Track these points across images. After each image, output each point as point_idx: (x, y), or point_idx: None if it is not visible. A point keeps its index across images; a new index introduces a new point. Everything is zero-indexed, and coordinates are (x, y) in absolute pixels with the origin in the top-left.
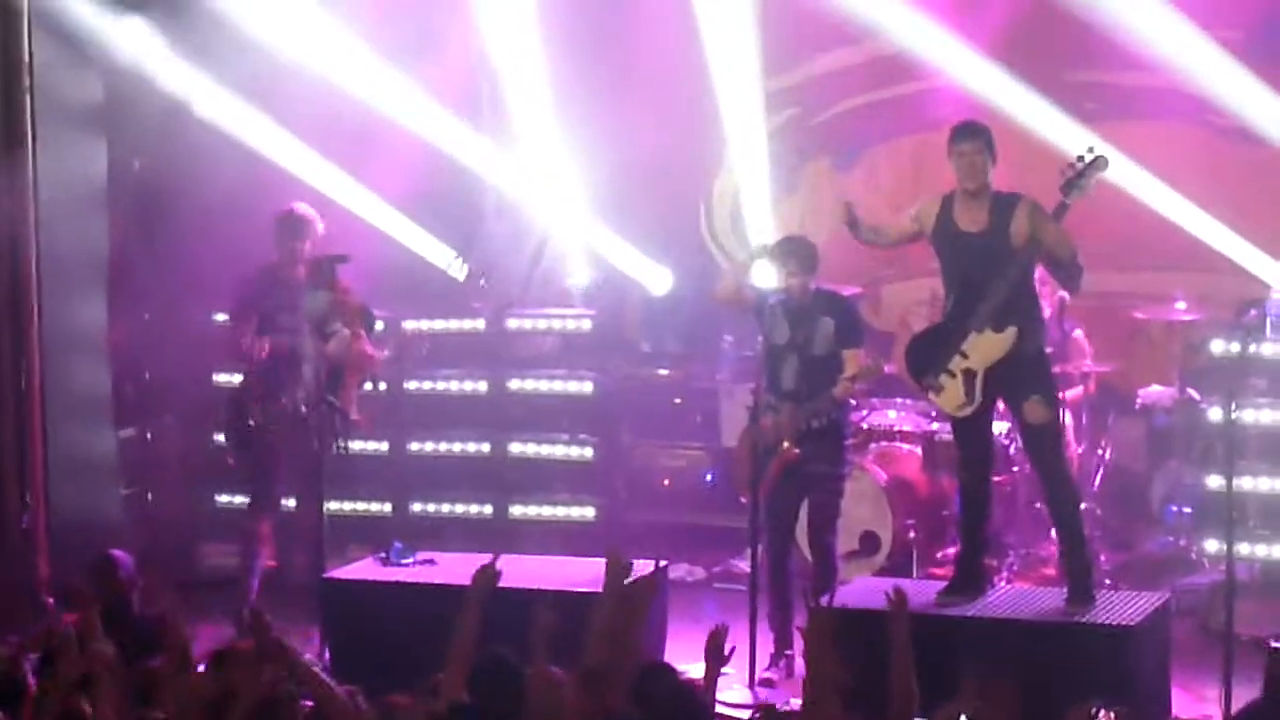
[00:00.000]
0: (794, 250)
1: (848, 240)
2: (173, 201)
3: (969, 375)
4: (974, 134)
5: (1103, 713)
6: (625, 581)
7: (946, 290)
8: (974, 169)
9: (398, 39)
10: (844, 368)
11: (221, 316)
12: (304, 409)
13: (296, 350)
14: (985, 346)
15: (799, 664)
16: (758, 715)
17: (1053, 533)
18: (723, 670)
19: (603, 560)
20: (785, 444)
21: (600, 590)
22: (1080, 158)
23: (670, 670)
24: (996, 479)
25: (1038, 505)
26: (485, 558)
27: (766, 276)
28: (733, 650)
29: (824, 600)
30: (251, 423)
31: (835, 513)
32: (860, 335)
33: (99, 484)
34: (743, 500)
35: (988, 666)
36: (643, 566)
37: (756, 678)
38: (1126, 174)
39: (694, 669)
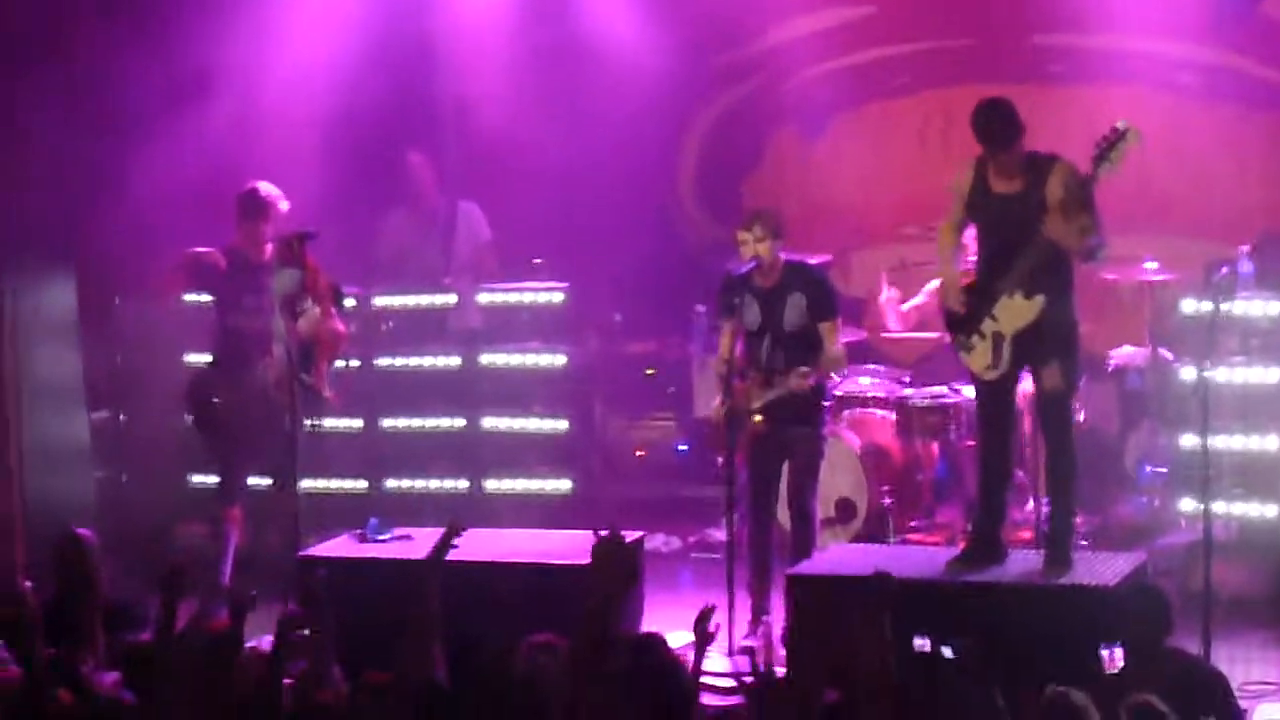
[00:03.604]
0: (759, 217)
1: (815, 208)
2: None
3: (997, 338)
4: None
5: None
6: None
7: (980, 251)
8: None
9: None
10: (820, 341)
11: (191, 297)
12: (273, 388)
13: (264, 330)
14: (1014, 311)
15: (776, 630)
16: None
17: (1031, 497)
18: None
19: (580, 533)
20: (756, 418)
21: (584, 563)
22: (1114, 129)
23: (661, 642)
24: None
25: (1018, 472)
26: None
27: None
28: (718, 628)
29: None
30: (217, 401)
31: (815, 474)
32: (834, 307)
33: (73, 468)
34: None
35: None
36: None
37: (735, 646)
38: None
39: (674, 638)
